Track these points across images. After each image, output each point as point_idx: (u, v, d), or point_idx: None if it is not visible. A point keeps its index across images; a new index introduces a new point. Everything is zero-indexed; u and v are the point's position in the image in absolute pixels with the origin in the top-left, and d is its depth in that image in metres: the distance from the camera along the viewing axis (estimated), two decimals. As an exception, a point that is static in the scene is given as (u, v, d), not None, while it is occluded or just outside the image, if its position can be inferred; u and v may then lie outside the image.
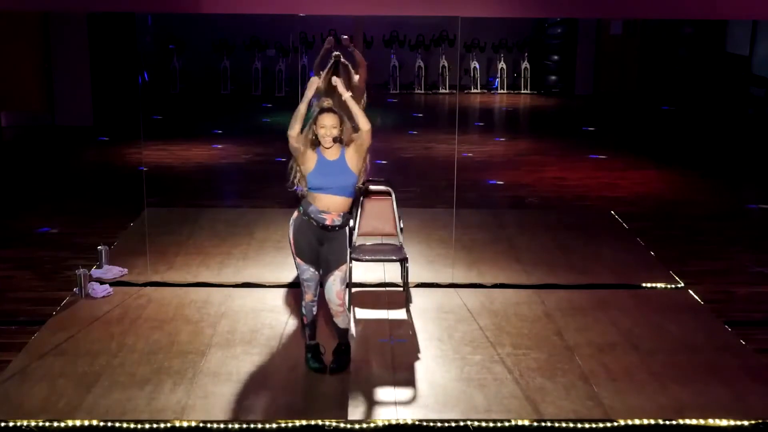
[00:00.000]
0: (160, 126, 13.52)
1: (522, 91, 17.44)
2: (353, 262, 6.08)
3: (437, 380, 5.26)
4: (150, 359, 5.48)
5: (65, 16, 13.08)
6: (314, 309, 5.31)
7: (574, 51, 17.28)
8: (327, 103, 5.12)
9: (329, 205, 5.08)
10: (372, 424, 4.76)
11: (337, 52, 6.86)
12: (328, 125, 5.01)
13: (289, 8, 7.03)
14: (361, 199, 6.26)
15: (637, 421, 4.79)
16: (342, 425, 4.74)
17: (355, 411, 4.90)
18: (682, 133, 13.72)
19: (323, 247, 5.18)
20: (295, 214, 5.21)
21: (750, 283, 7.02)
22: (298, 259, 5.21)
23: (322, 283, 5.27)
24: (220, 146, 12.25)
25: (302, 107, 5.08)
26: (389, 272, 6.87)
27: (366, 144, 5.11)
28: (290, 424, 4.73)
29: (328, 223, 5.10)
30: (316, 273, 5.21)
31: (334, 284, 5.19)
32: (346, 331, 5.40)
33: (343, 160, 5.10)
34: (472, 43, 17.32)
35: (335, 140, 5.06)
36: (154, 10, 13.53)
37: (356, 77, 6.75)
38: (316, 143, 5.10)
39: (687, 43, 16.47)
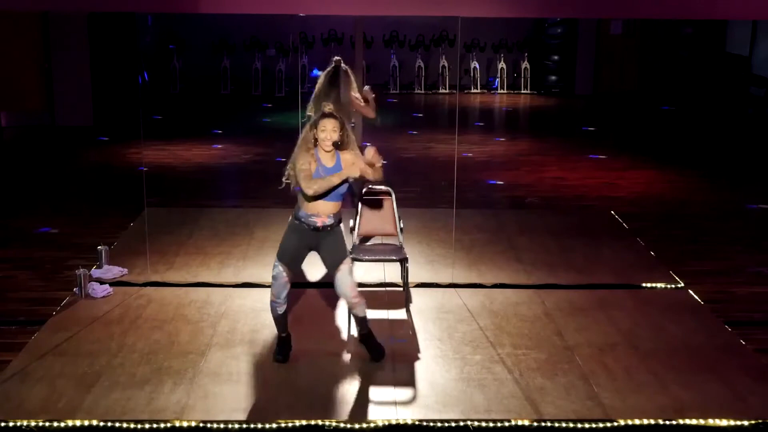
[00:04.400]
0: (160, 126, 13.52)
1: (522, 91, 17.44)
2: (353, 262, 6.08)
3: (437, 380, 5.26)
4: (150, 359, 5.48)
5: (65, 16, 13.08)
6: (278, 309, 5.40)
7: (574, 51, 17.28)
8: (328, 108, 5.24)
9: (319, 210, 5.22)
10: (372, 424, 4.76)
11: (338, 57, 7.05)
12: (328, 128, 5.13)
13: (289, 8, 7.04)
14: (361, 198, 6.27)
15: (637, 421, 4.79)
16: (342, 425, 4.74)
17: (355, 411, 4.90)
18: (682, 133, 13.72)
19: (320, 249, 5.33)
20: (290, 218, 5.37)
21: (750, 283, 7.03)
22: (276, 258, 5.32)
23: (332, 281, 5.39)
24: (220, 146, 12.25)
25: (335, 180, 5.16)
26: (389, 272, 6.87)
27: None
28: (290, 424, 4.73)
29: (319, 225, 5.25)
30: (285, 276, 5.30)
31: (344, 278, 5.31)
32: (365, 319, 5.45)
33: (339, 167, 5.20)
34: (472, 43, 17.31)
35: (334, 144, 5.17)
36: (154, 10, 13.53)
37: (355, 93, 6.98)
38: (313, 146, 5.21)
39: (687, 43, 16.47)
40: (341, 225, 5.40)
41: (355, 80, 7.25)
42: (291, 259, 5.33)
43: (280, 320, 5.47)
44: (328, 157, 5.20)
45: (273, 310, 5.42)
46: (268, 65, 16.99)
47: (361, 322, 5.46)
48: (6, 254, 7.49)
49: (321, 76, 7.17)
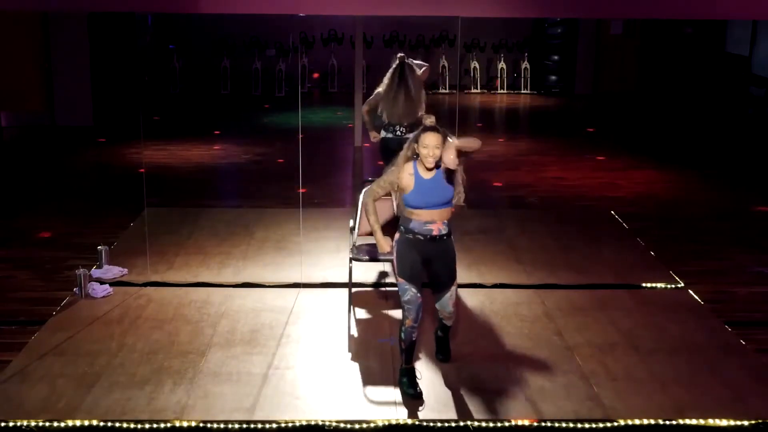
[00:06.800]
0: (160, 126, 13.53)
1: (522, 91, 17.44)
2: (353, 262, 6.08)
3: (437, 380, 5.25)
4: (150, 359, 5.48)
5: (65, 16, 13.08)
6: (414, 335, 4.99)
7: (574, 51, 17.28)
8: (430, 121, 4.93)
9: (433, 216, 4.86)
10: (372, 424, 4.76)
11: (401, 53, 7.19)
12: (431, 145, 4.76)
13: (289, 8, 7.03)
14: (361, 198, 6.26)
15: (637, 421, 4.79)
16: (342, 425, 4.74)
17: (355, 411, 4.90)
18: (683, 133, 13.72)
19: (433, 264, 4.97)
20: (398, 235, 4.99)
21: (750, 283, 7.03)
22: (400, 279, 4.96)
23: (436, 299, 5.13)
24: (220, 146, 12.25)
25: (375, 228, 5.10)
26: (389, 272, 6.86)
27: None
28: (290, 424, 4.73)
29: (435, 233, 4.87)
30: (418, 295, 4.94)
31: (451, 298, 5.09)
32: (449, 328, 5.39)
33: (440, 176, 4.87)
34: (472, 43, 17.32)
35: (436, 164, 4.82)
36: (154, 9, 13.54)
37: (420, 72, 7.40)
38: (413, 158, 4.90)
39: (687, 43, 16.47)
40: (452, 238, 5.02)
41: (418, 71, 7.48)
42: (413, 274, 4.91)
43: (411, 349, 5.06)
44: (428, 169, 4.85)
45: (407, 338, 4.98)
46: (268, 65, 16.99)
47: (446, 330, 5.40)
48: (6, 254, 7.49)
49: (387, 75, 7.34)
